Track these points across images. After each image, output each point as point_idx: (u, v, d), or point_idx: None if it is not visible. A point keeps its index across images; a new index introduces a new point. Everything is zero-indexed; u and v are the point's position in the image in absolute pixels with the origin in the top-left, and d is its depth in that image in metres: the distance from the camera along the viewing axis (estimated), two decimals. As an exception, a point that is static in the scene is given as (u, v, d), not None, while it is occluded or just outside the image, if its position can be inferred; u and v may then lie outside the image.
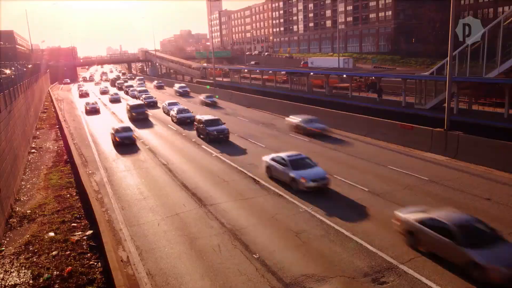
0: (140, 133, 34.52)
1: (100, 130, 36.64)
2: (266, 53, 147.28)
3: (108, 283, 11.75)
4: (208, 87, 64.60)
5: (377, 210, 16.42)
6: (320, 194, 18.28)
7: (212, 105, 49.60)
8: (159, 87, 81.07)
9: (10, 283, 12.23)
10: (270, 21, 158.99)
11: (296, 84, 56.78)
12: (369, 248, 13.36)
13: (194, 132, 33.03)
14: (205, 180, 21.15)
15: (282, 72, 68.03)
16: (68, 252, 13.90)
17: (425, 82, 36.87)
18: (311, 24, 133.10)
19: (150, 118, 41.50)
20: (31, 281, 12.27)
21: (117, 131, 30.14)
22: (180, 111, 38.64)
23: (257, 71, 71.60)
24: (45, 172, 24.07)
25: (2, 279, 12.49)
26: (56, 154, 28.44)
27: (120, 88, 78.34)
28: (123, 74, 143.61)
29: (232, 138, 30.66)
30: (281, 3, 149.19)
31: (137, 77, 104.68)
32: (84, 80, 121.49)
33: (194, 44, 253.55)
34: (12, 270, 12.98)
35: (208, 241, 14.30)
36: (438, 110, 33.53)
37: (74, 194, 19.93)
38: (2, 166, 17.46)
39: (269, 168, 20.65)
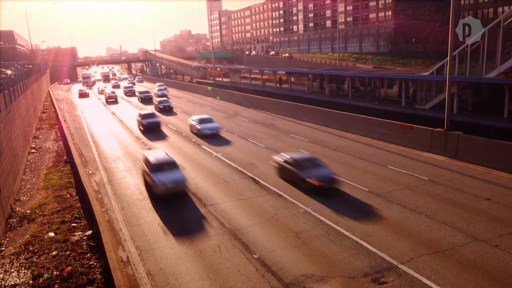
0: (140, 134, 34.53)
1: (100, 130, 36.66)
2: (262, 53, 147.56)
3: (108, 283, 11.76)
4: (209, 88, 64.57)
5: (377, 210, 16.43)
6: (319, 194, 18.28)
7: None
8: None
9: (10, 283, 12.23)
10: (270, 21, 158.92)
11: (295, 84, 56.84)
12: (369, 248, 13.37)
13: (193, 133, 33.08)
14: (205, 180, 21.15)
15: (282, 72, 68.10)
16: (68, 252, 13.90)
17: (425, 82, 36.89)
18: (311, 24, 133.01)
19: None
20: (31, 281, 12.27)
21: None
22: None
23: (257, 71, 71.59)
24: (45, 172, 24.07)
25: (2, 279, 12.49)
26: (56, 154, 28.44)
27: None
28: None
29: (232, 138, 30.69)
30: (281, 3, 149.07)
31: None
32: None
33: (194, 44, 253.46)
34: (12, 270, 12.98)
35: (208, 241, 14.31)
36: (438, 110, 33.55)
37: (74, 194, 19.93)
38: (2, 166, 17.45)
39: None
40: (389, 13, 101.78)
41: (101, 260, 13.20)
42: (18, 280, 12.39)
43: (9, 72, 29.15)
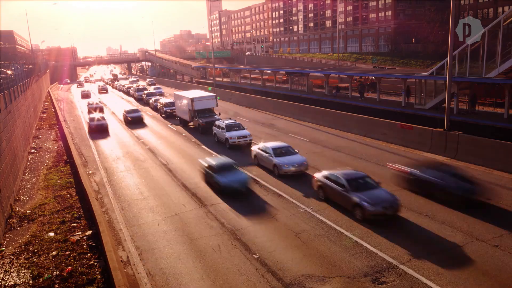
0: (140, 134, 34.52)
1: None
2: (262, 53, 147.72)
3: (108, 283, 11.76)
4: (209, 88, 64.48)
5: (377, 210, 16.41)
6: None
7: None
8: None
9: (10, 283, 12.23)
10: (270, 21, 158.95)
11: (295, 84, 56.80)
12: (369, 248, 13.37)
13: (194, 133, 33.05)
14: (205, 180, 21.13)
15: (282, 72, 68.06)
16: (68, 252, 13.90)
17: (425, 82, 36.87)
18: (311, 24, 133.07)
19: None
20: (31, 281, 12.27)
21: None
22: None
23: (257, 71, 71.54)
24: (45, 172, 24.06)
25: (2, 279, 12.49)
26: (56, 154, 28.44)
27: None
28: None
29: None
30: (281, 3, 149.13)
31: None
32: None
33: (194, 44, 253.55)
34: (12, 270, 12.98)
35: (208, 241, 14.31)
36: (438, 110, 33.53)
37: (74, 194, 19.93)
38: (2, 166, 17.45)
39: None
40: (389, 13, 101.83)
41: (101, 260, 13.20)
42: (18, 280, 12.39)
43: (9, 72, 29.10)
